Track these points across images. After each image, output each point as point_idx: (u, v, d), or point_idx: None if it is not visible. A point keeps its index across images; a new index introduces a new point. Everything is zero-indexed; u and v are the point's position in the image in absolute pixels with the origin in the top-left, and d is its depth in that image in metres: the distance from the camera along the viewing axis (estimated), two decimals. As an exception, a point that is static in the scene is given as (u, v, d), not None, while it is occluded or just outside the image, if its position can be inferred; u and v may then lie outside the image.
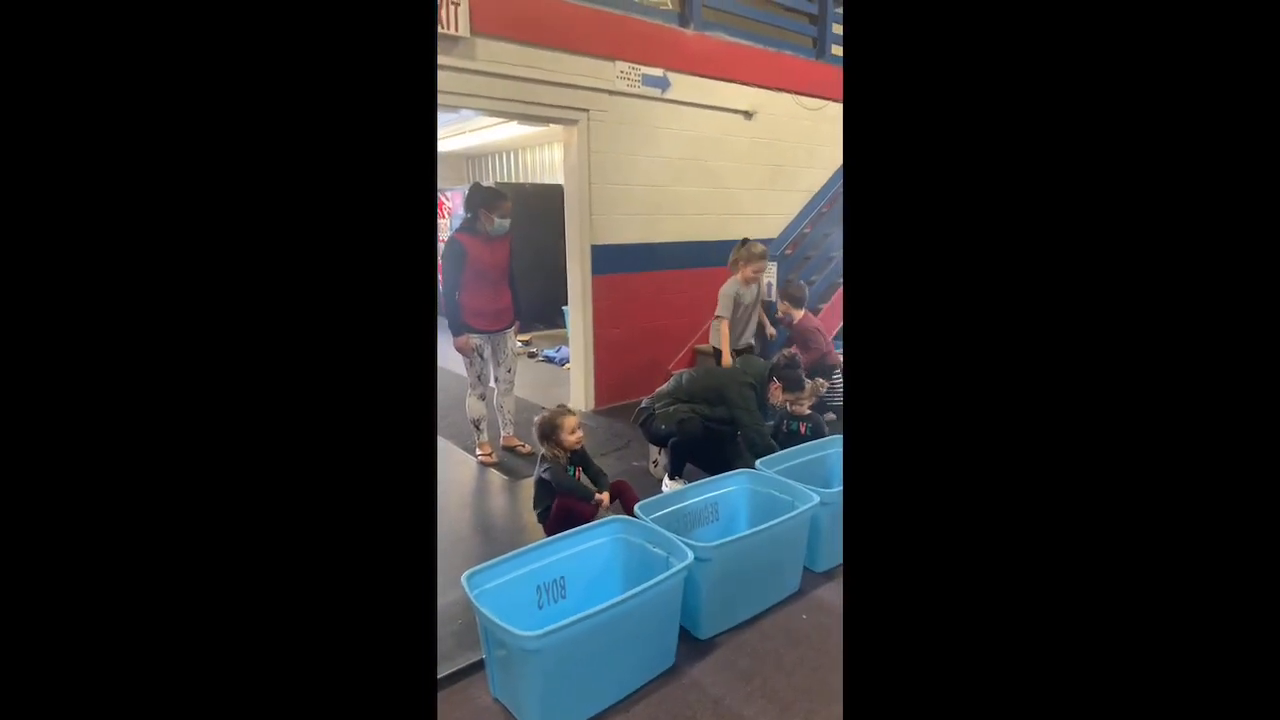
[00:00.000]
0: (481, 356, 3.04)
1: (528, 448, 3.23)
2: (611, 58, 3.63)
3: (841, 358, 3.62)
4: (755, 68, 4.34)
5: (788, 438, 2.85)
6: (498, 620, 1.44)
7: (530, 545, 1.79)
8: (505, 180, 7.87)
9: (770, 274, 3.81)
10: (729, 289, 3.21)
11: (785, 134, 4.65)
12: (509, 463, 3.18)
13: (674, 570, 1.66)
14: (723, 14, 4.19)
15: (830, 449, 2.64)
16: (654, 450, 3.02)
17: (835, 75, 4.81)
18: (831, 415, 3.48)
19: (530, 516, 2.46)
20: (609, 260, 3.84)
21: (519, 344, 5.08)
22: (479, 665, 1.71)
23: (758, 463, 2.37)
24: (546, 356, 5.47)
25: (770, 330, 3.65)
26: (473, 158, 8.53)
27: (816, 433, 2.83)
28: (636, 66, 3.74)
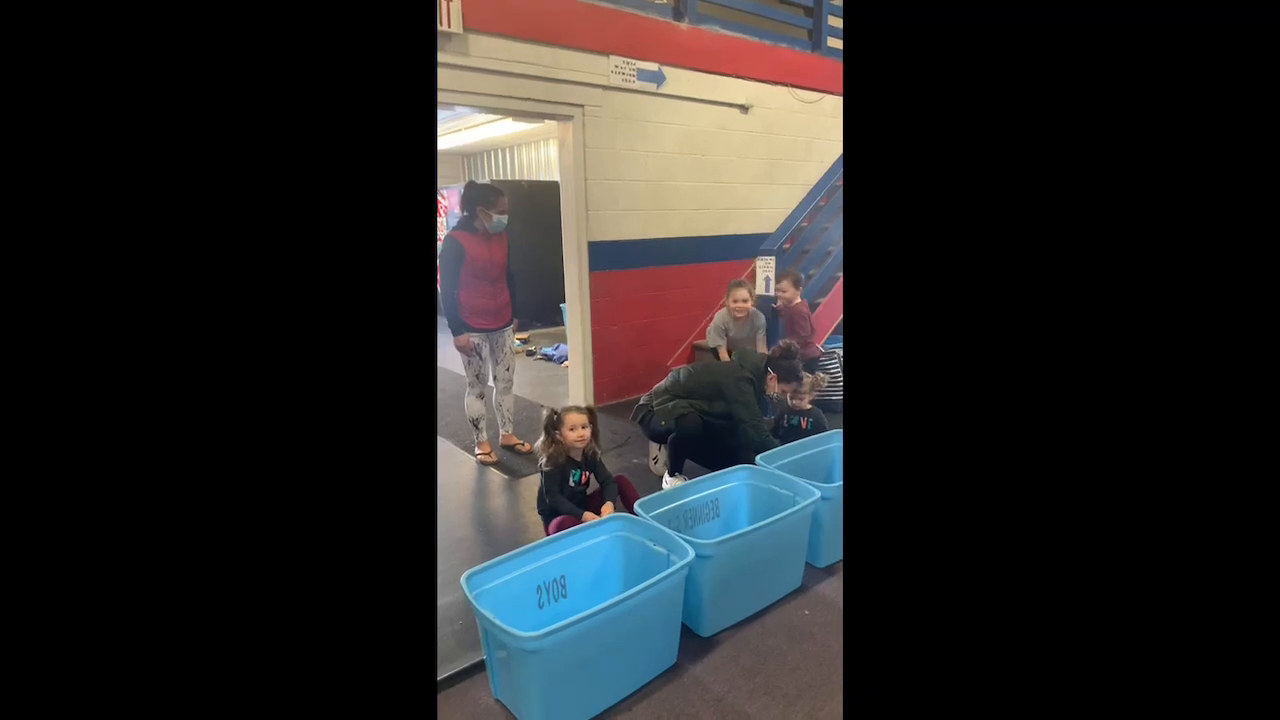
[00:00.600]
0: (480, 355, 3.02)
1: (527, 446, 3.22)
2: (606, 52, 3.61)
3: (821, 351, 3.61)
4: (751, 61, 4.32)
5: (788, 432, 2.84)
6: (498, 621, 1.43)
7: (530, 545, 1.78)
8: (501, 178, 7.85)
9: (768, 269, 3.79)
10: (717, 321, 3.43)
11: (782, 128, 4.63)
12: (509, 462, 3.17)
13: (675, 568, 1.65)
14: (718, 7, 4.16)
15: (831, 443, 2.63)
16: (654, 447, 3.00)
17: (832, 68, 4.79)
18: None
19: (532, 515, 2.45)
20: (606, 257, 3.82)
21: (517, 342, 5.08)
22: (480, 666, 1.70)
23: (758, 458, 2.36)
24: (545, 354, 5.46)
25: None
26: (468, 155, 8.50)
27: (817, 427, 2.82)
28: (631, 61, 3.72)
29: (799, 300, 3.54)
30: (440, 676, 1.69)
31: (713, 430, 2.69)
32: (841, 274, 4.03)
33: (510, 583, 1.69)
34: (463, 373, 3.09)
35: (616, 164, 3.80)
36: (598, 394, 3.99)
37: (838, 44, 4.75)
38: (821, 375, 3.12)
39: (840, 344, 3.82)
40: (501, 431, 3.30)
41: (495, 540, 2.43)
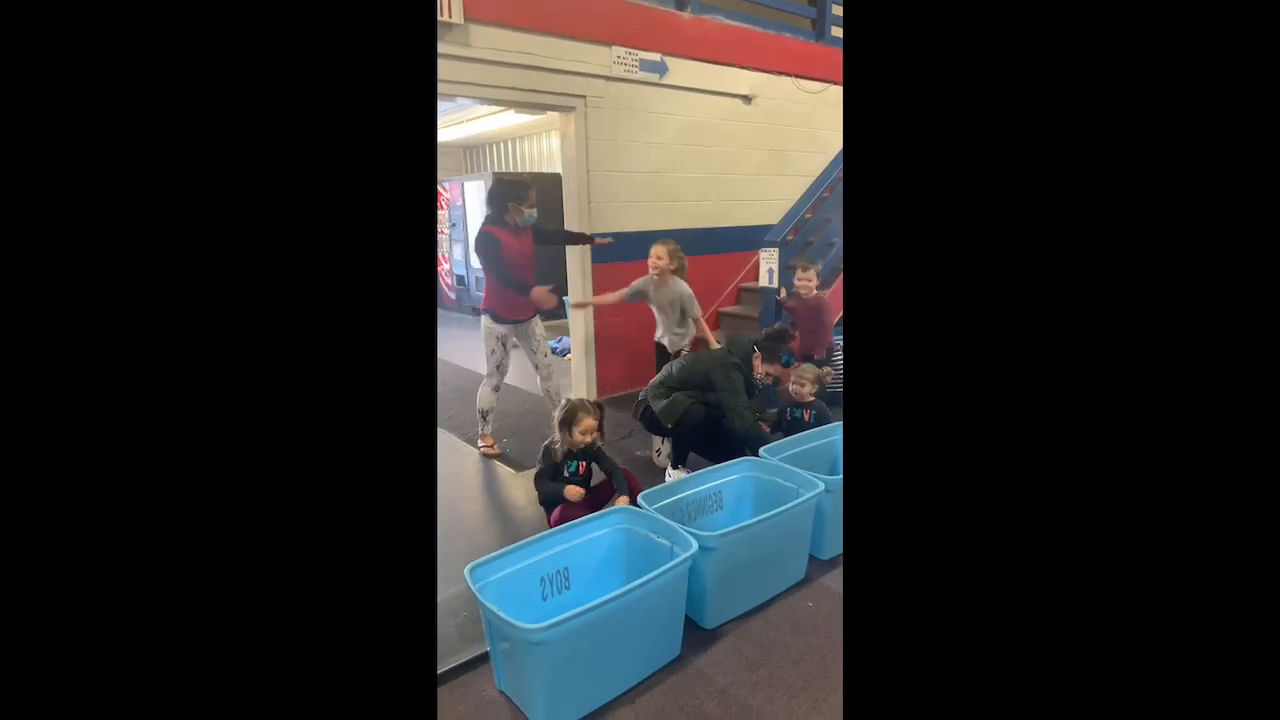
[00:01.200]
0: (504, 346, 3.03)
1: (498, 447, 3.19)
2: (608, 43, 3.58)
3: (835, 344, 3.51)
4: (754, 51, 4.28)
5: (791, 425, 2.83)
6: (501, 613, 1.43)
7: (533, 537, 1.78)
8: (502, 170, 7.82)
9: (772, 261, 3.76)
10: (638, 283, 3.22)
11: (785, 118, 4.60)
12: (513, 454, 3.17)
13: (678, 560, 1.65)
14: (720, -4, 4.13)
15: (835, 435, 2.62)
16: (656, 440, 3.00)
17: (835, 57, 4.74)
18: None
19: (534, 509, 2.45)
20: (609, 249, 3.81)
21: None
22: (484, 658, 1.71)
23: (762, 450, 2.35)
24: (549, 347, 5.46)
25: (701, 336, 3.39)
26: (470, 148, 8.47)
27: (820, 420, 2.81)
28: (633, 51, 3.69)
29: (815, 293, 3.40)
30: (444, 668, 1.69)
31: (714, 422, 2.68)
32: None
33: (514, 575, 1.69)
34: (463, 365, 3.08)
35: (619, 156, 3.78)
36: (600, 386, 3.98)
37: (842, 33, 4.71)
38: (828, 370, 3.11)
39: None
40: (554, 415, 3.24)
41: (498, 533, 2.43)
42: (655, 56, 3.79)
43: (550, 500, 2.25)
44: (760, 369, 2.75)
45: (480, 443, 3.19)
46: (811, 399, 2.85)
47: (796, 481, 2.14)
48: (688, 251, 4.18)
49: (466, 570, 1.58)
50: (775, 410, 3.01)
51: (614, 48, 3.61)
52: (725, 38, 4.12)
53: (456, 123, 6.54)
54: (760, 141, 4.50)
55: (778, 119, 4.55)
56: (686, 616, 1.79)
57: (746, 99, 4.32)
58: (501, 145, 8.03)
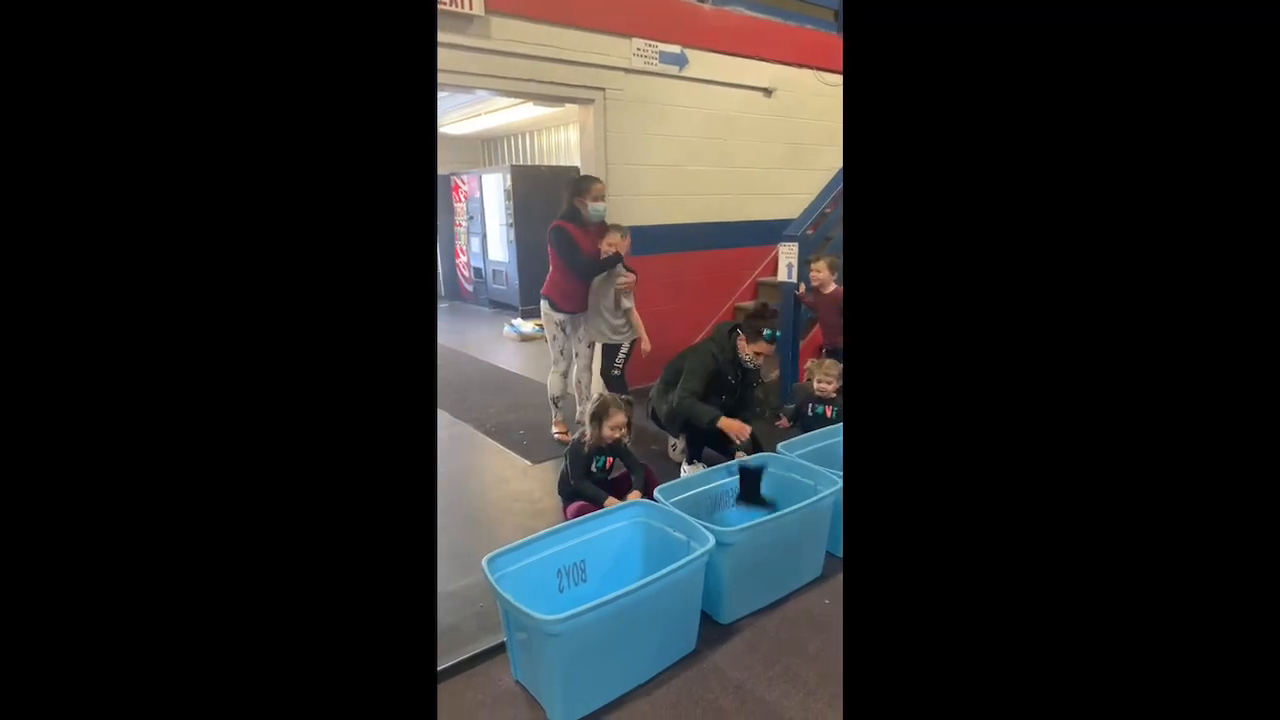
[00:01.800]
0: (564, 332, 3.08)
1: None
2: (628, 34, 3.56)
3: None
4: (775, 43, 4.24)
5: (812, 420, 2.81)
6: (518, 604, 1.44)
7: (551, 529, 1.79)
8: (520, 163, 7.82)
9: (791, 255, 3.72)
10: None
11: (806, 111, 4.54)
12: (529, 445, 3.18)
13: (695, 555, 1.64)
14: (742, -13, 4.09)
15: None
16: (671, 435, 2.99)
17: (858, 49, 4.68)
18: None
19: (550, 499, 2.46)
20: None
21: (535, 328, 5.08)
22: (500, 648, 1.72)
23: (779, 446, 2.34)
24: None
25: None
26: (488, 140, 8.48)
27: (842, 416, 2.79)
28: (653, 43, 3.66)
29: (834, 287, 3.31)
30: (461, 657, 1.70)
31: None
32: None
33: (531, 566, 1.70)
34: (479, 357, 3.10)
35: (637, 148, 3.76)
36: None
37: (865, 25, 4.64)
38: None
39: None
40: (578, 409, 3.27)
41: (515, 525, 2.44)
42: (675, 48, 3.77)
43: (577, 496, 2.23)
44: (746, 350, 2.70)
45: (554, 429, 3.24)
46: (835, 395, 2.81)
47: (815, 478, 2.12)
48: (705, 246, 4.12)
49: (484, 560, 1.59)
50: (792, 406, 2.99)
51: (634, 39, 3.59)
52: (746, 29, 4.08)
53: (475, 115, 6.55)
54: (780, 135, 4.45)
55: (798, 112, 4.50)
56: (703, 611, 1.78)
57: (767, 92, 4.28)
58: (520, 138, 8.03)
